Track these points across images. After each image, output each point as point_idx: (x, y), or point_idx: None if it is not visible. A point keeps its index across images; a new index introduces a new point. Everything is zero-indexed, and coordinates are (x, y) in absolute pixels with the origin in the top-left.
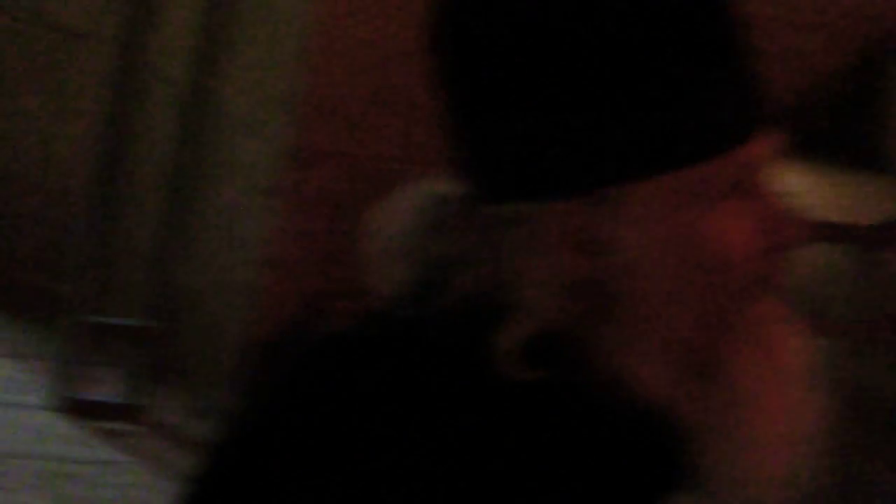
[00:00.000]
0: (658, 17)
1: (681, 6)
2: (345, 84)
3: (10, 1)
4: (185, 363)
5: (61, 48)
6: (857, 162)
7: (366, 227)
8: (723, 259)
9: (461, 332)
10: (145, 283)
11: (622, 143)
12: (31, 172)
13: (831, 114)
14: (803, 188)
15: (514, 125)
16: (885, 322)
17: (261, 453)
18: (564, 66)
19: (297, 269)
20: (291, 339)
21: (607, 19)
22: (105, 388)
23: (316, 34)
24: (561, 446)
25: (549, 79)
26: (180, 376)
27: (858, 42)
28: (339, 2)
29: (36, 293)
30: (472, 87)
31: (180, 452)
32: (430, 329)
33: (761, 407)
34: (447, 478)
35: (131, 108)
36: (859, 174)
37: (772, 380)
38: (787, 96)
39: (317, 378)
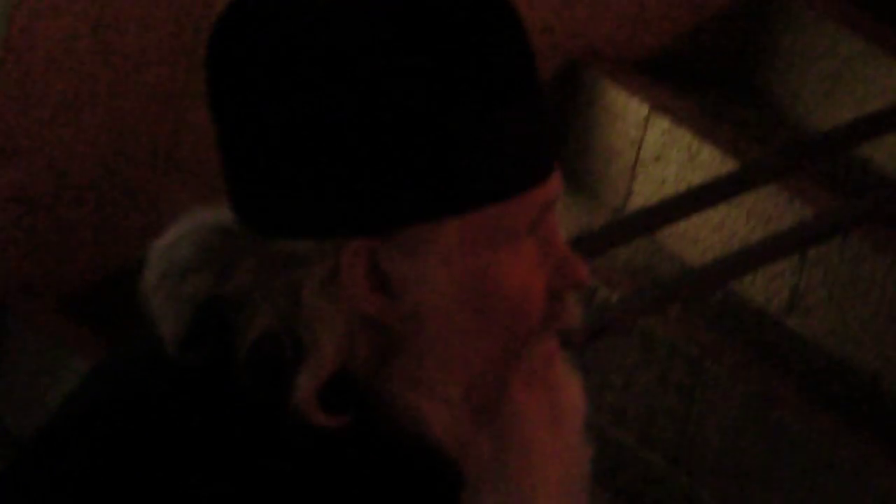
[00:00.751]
0: (451, 54)
1: (476, 45)
2: (43, 81)
3: None
4: None
5: None
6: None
7: (146, 254)
8: (515, 300)
9: (257, 381)
10: None
11: (417, 182)
12: None
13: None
14: None
15: (306, 161)
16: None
17: None
18: (355, 104)
19: None
20: None
21: (398, 53)
22: None
23: (17, 26)
24: (354, 492)
25: (340, 115)
26: None
27: (553, 58)
28: None
29: None
30: (259, 120)
31: None
32: (225, 379)
33: (540, 450)
34: None
35: None
36: None
37: (551, 423)
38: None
39: (112, 441)
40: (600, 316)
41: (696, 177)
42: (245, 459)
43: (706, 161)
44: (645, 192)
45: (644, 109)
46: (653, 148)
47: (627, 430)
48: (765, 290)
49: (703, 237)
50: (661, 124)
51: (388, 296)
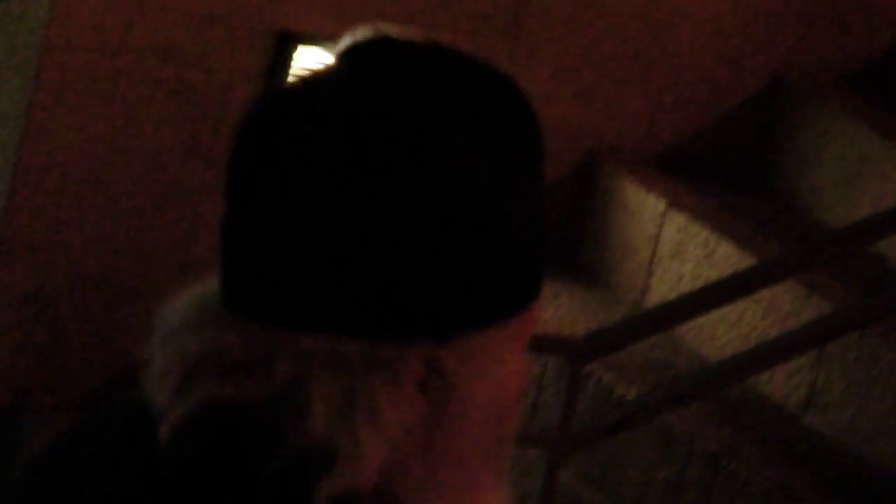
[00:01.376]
0: (500, 156)
1: (520, 145)
2: (57, 175)
3: None
4: None
5: None
6: (568, 273)
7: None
8: (513, 402)
9: (283, 488)
10: None
11: (480, 285)
12: None
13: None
14: None
15: (373, 262)
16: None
17: None
18: (424, 203)
19: (2, 361)
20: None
21: (446, 152)
22: None
23: (31, 123)
24: None
25: (410, 217)
26: None
27: (573, 152)
28: (58, 92)
29: None
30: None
31: None
32: (234, 479)
33: None
34: None
35: None
36: (569, 284)
37: None
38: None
39: None
40: (618, 412)
41: (713, 272)
42: None
43: (723, 257)
44: (662, 288)
45: (661, 205)
46: (670, 244)
47: None
48: (782, 386)
49: (721, 333)
50: (678, 220)
51: (432, 402)
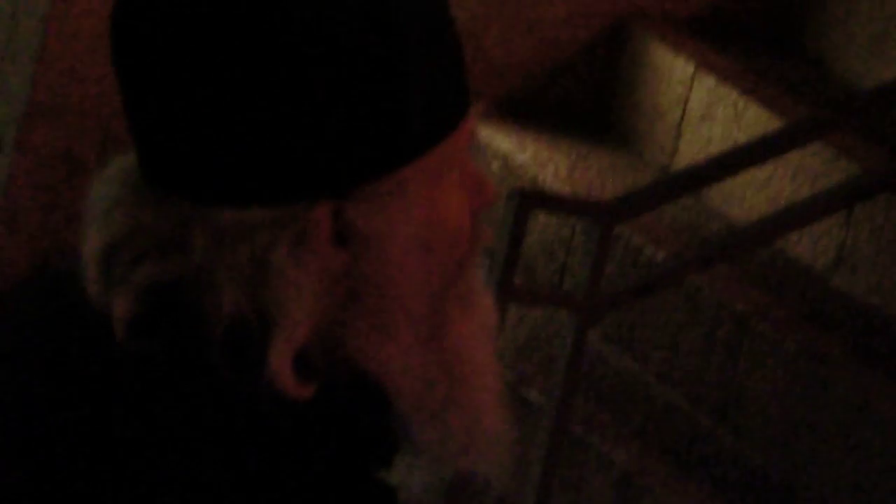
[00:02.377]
0: (383, 13)
1: (406, 5)
2: (87, 42)
3: None
4: None
5: None
6: (597, 136)
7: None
8: (453, 230)
9: (233, 363)
10: None
11: (373, 136)
12: None
13: (575, 86)
14: (528, 158)
15: (259, 126)
16: (613, 295)
17: None
18: (304, 64)
19: (33, 225)
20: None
21: (332, 21)
22: None
23: None
24: (331, 461)
25: (296, 77)
26: None
27: (602, 16)
28: None
29: None
30: (205, 84)
31: None
32: (191, 364)
33: (482, 370)
34: None
35: None
36: (598, 148)
37: (484, 341)
38: (533, 67)
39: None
40: (647, 274)
41: (742, 135)
42: (226, 447)
43: (752, 119)
44: (690, 151)
45: (690, 68)
46: (699, 106)
47: (674, 388)
48: (811, 248)
49: (749, 196)
50: (707, 82)
51: (351, 252)
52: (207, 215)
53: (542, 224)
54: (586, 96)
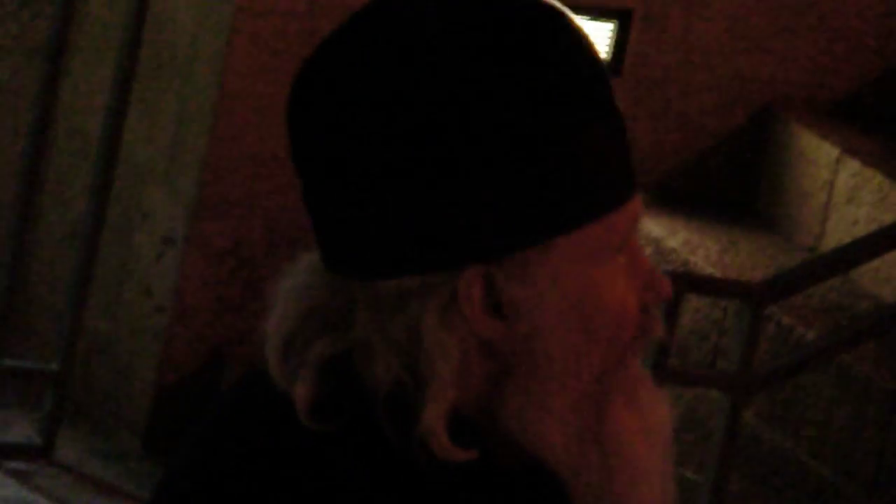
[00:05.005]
0: (541, 76)
1: (561, 64)
2: (254, 136)
3: None
4: (94, 406)
5: None
6: (746, 220)
7: (266, 302)
8: (614, 314)
9: (398, 431)
10: (56, 328)
11: (526, 205)
12: None
13: (723, 172)
14: (680, 242)
15: (409, 198)
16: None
17: None
18: (457, 137)
19: (203, 315)
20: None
21: (489, 79)
22: (15, 430)
23: (227, 88)
24: None
25: (442, 149)
26: (88, 419)
27: (748, 104)
28: (252, 57)
29: None
30: (353, 164)
31: (86, 493)
32: (369, 437)
33: (642, 466)
34: None
35: (43, 160)
36: (747, 231)
37: (647, 439)
38: (682, 155)
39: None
40: (798, 353)
41: (888, 216)
42: None
43: None
44: (837, 232)
45: (835, 152)
46: (844, 189)
47: (826, 464)
48: None
49: None
50: (852, 166)
51: (502, 320)
52: (369, 289)
53: (694, 306)
54: (734, 181)
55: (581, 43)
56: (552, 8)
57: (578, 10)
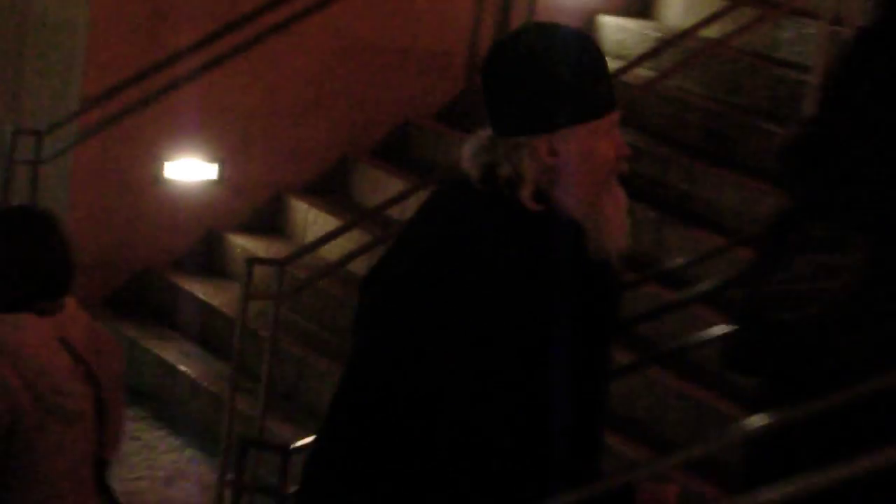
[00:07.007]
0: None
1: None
2: None
3: None
4: None
5: None
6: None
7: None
8: (604, 160)
9: (510, 196)
10: None
11: (571, 109)
12: None
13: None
14: None
15: (529, 105)
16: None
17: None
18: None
19: None
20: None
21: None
22: None
23: None
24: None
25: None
26: None
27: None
28: None
29: None
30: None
31: None
32: (502, 198)
33: (612, 221)
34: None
35: None
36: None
37: (614, 210)
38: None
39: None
40: None
41: None
42: (531, 240)
43: None
44: None
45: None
46: None
47: None
48: None
49: None
50: None
51: (554, 157)
52: (507, 141)
53: None
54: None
55: (582, 57)
56: None
57: None
